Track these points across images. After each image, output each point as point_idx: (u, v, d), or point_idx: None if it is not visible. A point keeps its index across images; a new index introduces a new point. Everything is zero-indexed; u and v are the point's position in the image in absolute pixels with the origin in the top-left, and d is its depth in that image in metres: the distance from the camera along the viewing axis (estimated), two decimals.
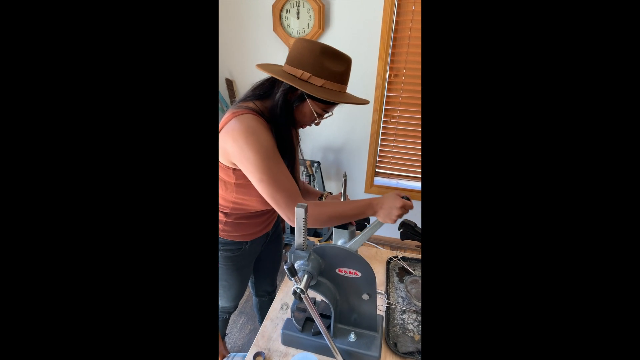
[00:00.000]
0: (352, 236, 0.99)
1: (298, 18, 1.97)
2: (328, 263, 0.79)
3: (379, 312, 0.90)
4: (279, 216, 1.20)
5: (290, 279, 0.68)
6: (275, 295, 1.45)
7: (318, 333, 0.86)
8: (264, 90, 0.90)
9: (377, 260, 1.22)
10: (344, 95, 0.87)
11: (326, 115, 0.92)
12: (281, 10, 1.97)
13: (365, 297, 0.81)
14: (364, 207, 0.88)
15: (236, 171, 0.89)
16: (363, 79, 2.04)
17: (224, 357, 1.14)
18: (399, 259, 1.22)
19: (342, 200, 1.03)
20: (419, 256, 1.23)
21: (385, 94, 2.07)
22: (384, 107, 2.10)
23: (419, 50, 1.93)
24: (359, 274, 0.78)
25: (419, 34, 1.89)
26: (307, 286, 0.72)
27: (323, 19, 1.94)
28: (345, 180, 1.07)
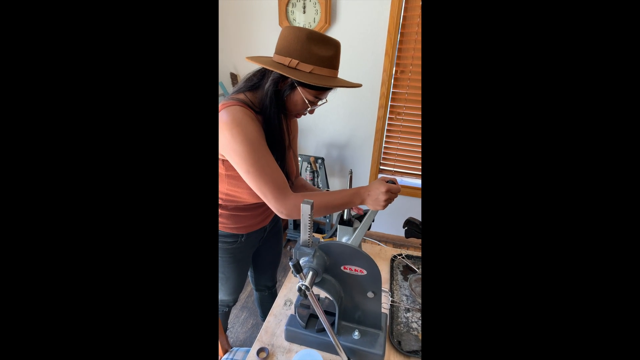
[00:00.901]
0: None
1: (304, 12, 1.96)
2: (333, 260, 0.78)
3: (383, 310, 0.89)
4: None
5: (296, 276, 0.68)
6: (275, 290, 1.45)
7: (322, 330, 0.85)
8: (255, 81, 0.89)
9: (381, 258, 1.21)
10: (334, 79, 0.85)
11: (320, 102, 0.90)
12: (287, 4, 1.95)
13: (370, 295, 0.80)
14: (351, 195, 0.87)
15: (226, 162, 0.89)
16: (369, 74, 2.02)
17: (226, 351, 1.14)
18: (403, 257, 1.21)
19: None
20: None
21: (391, 90, 2.05)
22: (389, 103, 2.08)
23: None
24: (365, 272, 0.78)
25: None
26: (312, 283, 0.72)
27: (329, 13, 1.92)
28: (350, 178, 1.06)
